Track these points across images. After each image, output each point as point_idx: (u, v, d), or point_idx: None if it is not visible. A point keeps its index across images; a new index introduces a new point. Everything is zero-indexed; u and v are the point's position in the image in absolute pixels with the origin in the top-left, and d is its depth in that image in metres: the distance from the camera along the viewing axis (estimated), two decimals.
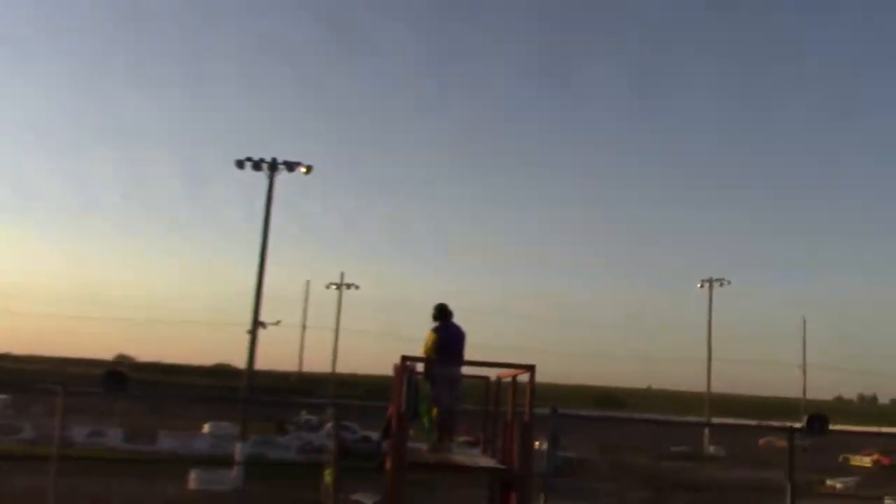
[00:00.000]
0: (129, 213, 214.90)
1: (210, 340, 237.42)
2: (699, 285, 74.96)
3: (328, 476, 27.67)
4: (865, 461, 66.64)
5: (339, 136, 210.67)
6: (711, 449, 69.33)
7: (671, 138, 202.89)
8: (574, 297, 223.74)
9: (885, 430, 73.40)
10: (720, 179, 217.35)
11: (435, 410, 9.87)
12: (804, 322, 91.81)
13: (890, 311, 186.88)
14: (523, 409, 8.60)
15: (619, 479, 41.29)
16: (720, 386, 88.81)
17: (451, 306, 10.40)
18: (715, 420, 77.73)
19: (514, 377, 9.40)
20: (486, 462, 9.64)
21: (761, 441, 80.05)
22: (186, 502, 28.97)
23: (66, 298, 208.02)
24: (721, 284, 73.94)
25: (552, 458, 9.63)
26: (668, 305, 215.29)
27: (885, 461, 64.05)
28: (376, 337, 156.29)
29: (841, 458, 67.52)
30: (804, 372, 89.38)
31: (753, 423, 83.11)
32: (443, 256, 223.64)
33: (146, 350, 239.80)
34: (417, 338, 10.33)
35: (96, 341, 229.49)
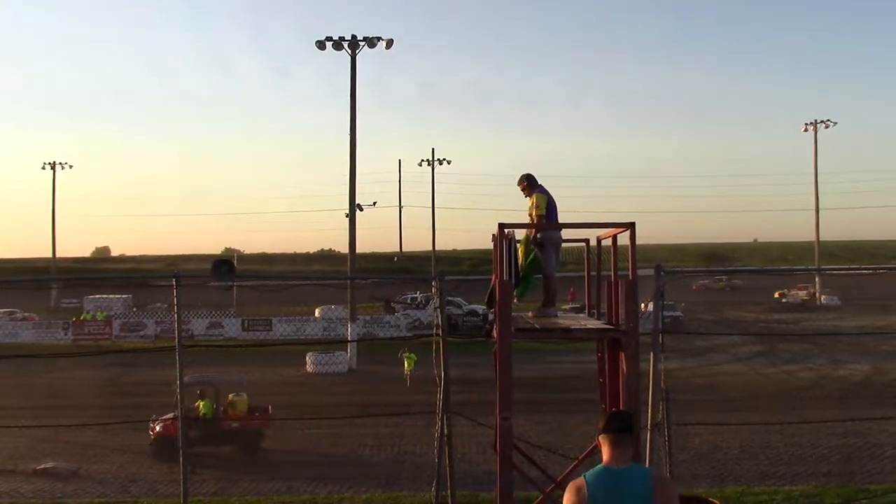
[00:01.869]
0: (218, 108, 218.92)
1: (312, 228, 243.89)
2: (803, 129, 69.12)
3: (408, 362, 28.06)
4: (802, 294, 70.52)
5: (419, 3, 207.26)
6: (824, 298, 67.71)
7: None
8: (671, 153, 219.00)
9: None
10: (815, 15, 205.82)
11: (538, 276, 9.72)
12: None
13: None
14: (626, 271, 8.34)
15: (729, 333, 40.99)
16: (831, 233, 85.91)
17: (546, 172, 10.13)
18: (826, 267, 75.52)
19: (615, 237, 9.09)
20: (593, 324, 9.48)
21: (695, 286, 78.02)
22: (306, 384, 30.20)
23: (170, 199, 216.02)
24: (826, 126, 68.10)
25: (659, 316, 9.37)
26: (771, 153, 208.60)
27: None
28: (473, 211, 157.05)
29: (777, 294, 70.56)
30: None
31: (868, 268, 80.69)
32: (531, 121, 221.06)
33: (251, 242, 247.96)
34: (512, 209, 10.04)
35: (203, 238, 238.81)
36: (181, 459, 9.86)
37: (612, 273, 9.09)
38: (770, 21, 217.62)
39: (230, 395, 19.88)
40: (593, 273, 10.36)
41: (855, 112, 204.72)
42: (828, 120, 68.58)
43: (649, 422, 9.28)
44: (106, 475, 17.17)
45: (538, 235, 9.66)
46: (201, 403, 19.26)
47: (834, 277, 69.45)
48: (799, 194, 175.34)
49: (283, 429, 19.98)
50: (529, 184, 10.04)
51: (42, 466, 17.20)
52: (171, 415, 18.66)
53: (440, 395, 9.81)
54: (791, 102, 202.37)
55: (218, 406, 19.44)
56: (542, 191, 9.94)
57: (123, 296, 62.15)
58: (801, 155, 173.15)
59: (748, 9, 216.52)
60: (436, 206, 76.76)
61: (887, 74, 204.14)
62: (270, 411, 20.05)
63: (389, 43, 38.83)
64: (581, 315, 11.06)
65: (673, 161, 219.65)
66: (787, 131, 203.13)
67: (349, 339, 37.59)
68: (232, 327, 47.23)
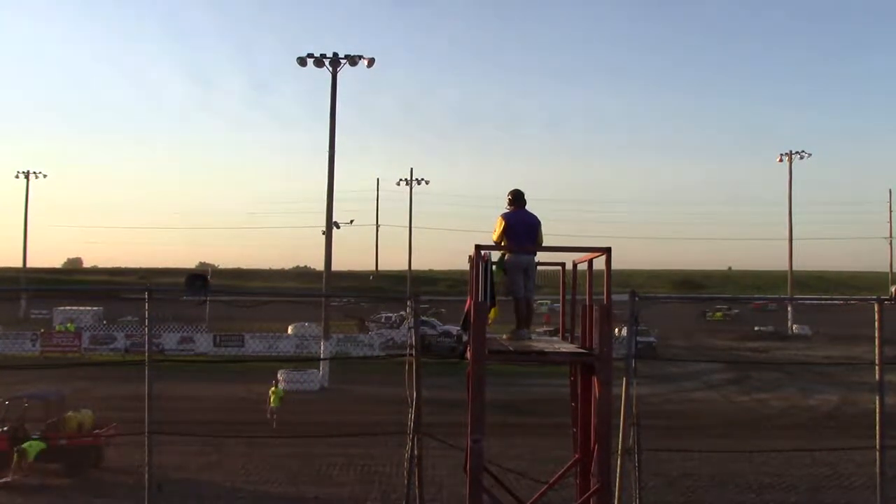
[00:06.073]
0: (196, 122, 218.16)
1: (288, 244, 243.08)
2: (778, 159, 69.98)
3: (273, 398, 26.68)
4: None
5: (402, 24, 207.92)
6: (795, 328, 68.20)
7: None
8: (649, 179, 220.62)
9: None
10: (796, 49, 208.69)
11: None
12: (890, 193, 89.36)
13: None
14: (601, 295, 8.33)
15: (701, 360, 41.14)
16: (805, 264, 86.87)
17: (526, 195, 10.07)
18: (798, 297, 76.30)
19: (591, 262, 9.09)
20: (567, 348, 9.46)
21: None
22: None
23: (145, 211, 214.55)
24: (801, 157, 69.22)
25: (632, 341, 9.38)
26: (747, 182, 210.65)
27: None
28: (450, 232, 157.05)
29: None
30: (892, 244, 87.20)
31: (839, 298, 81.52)
32: (511, 143, 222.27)
33: (225, 257, 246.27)
34: (490, 230, 10.01)
35: (177, 252, 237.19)
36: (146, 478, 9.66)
37: (588, 297, 9.09)
38: (747, 52, 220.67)
39: (70, 412, 19.18)
40: (568, 297, 10.34)
41: (829, 144, 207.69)
42: (802, 151, 69.72)
43: (620, 447, 9.25)
44: (70, 489, 16.88)
45: (505, 257, 9.67)
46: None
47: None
48: (773, 224, 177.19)
49: (255, 446, 19.77)
50: (509, 202, 10.02)
51: (2, 480, 16.87)
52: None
53: (411, 416, 9.72)
54: (767, 133, 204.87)
55: (49, 422, 18.72)
56: (508, 214, 9.88)
57: (94, 308, 61.40)
58: (777, 185, 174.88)
59: (725, 40, 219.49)
60: (413, 225, 76.92)
61: (861, 108, 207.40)
62: (113, 430, 18.95)
63: (371, 61, 38.95)
64: (555, 338, 11.05)
65: (650, 187, 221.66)
66: (763, 161, 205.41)
67: (322, 357, 37.33)
68: (204, 342, 46.70)
